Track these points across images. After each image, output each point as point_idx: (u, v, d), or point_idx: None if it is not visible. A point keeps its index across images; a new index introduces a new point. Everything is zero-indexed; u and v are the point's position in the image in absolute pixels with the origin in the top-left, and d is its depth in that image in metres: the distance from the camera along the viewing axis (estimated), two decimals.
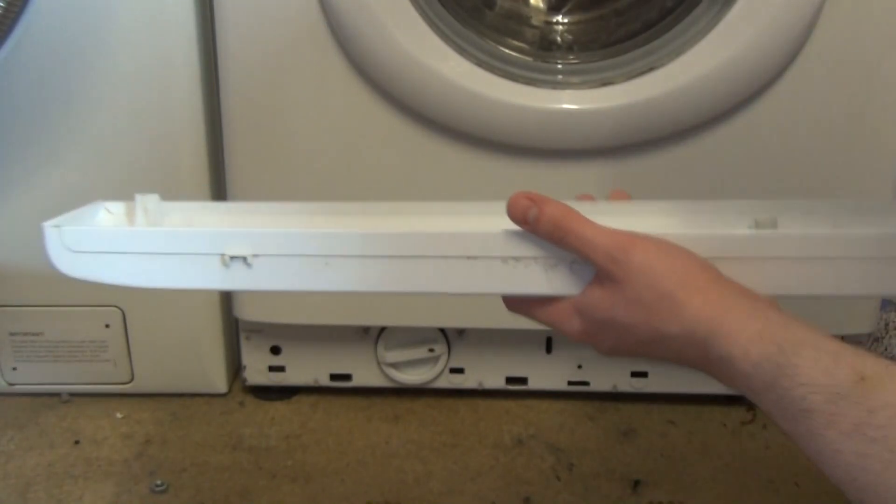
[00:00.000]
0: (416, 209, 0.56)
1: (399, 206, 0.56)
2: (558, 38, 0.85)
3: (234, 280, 0.50)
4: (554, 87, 0.79)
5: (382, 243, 0.50)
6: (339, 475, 0.85)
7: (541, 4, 0.85)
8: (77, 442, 0.89)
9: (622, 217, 0.50)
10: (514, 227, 0.50)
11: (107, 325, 0.92)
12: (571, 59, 0.82)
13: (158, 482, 0.82)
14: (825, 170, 0.84)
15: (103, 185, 0.85)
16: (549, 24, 0.85)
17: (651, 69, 0.78)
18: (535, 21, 0.85)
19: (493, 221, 0.51)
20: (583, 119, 0.79)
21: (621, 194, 0.56)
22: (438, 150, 0.82)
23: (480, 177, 0.84)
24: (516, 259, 0.50)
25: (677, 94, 0.78)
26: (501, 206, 0.51)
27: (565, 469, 0.86)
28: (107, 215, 0.56)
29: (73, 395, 0.96)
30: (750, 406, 0.97)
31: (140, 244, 0.51)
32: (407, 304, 0.89)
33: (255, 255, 0.50)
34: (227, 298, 0.93)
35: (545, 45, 0.84)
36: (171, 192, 0.85)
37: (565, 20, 0.85)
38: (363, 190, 0.85)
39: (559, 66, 0.82)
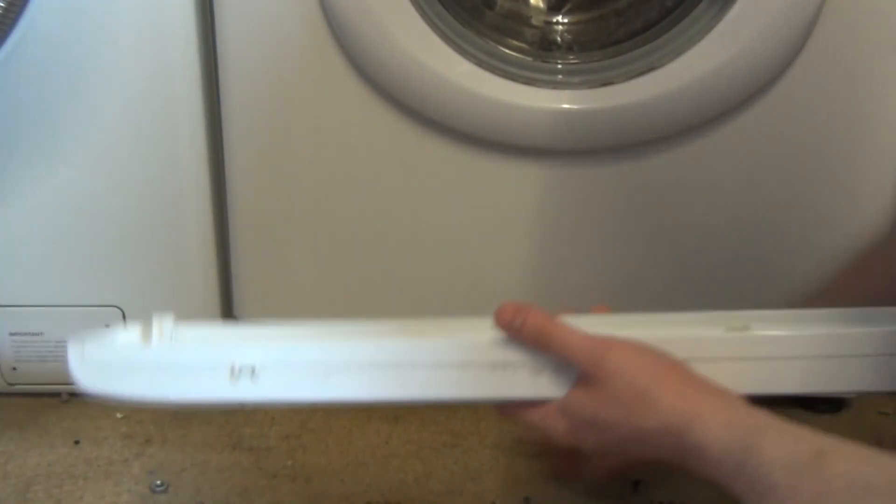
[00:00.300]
0: (414, 327, 0.58)
1: (398, 324, 0.59)
2: (558, 38, 0.85)
3: (241, 392, 0.55)
4: (554, 87, 0.79)
5: (379, 352, 0.54)
6: (339, 475, 0.85)
7: (541, 4, 0.85)
8: (77, 442, 0.89)
9: (605, 328, 0.54)
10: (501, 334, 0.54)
11: (107, 325, 0.91)
12: (571, 59, 0.82)
13: (158, 482, 0.82)
14: (825, 170, 0.84)
15: (103, 185, 0.85)
16: (549, 24, 0.85)
17: (651, 69, 0.78)
18: (535, 21, 0.85)
19: (484, 334, 0.54)
20: (583, 119, 0.79)
21: (603, 308, 0.60)
22: (438, 150, 0.82)
23: (480, 177, 0.84)
24: (504, 366, 0.53)
25: (677, 94, 0.78)
26: (489, 322, 0.54)
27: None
28: (125, 335, 0.61)
29: (73, 395, 0.96)
30: None
31: (155, 358, 0.56)
32: (407, 303, 0.89)
33: (261, 368, 0.54)
34: (226, 298, 0.93)
35: (545, 45, 0.84)
36: (170, 193, 0.86)
37: (565, 20, 0.85)
38: (363, 190, 0.85)
39: (559, 66, 0.82)
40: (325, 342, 0.55)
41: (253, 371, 0.54)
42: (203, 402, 0.56)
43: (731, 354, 0.54)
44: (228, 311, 0.95)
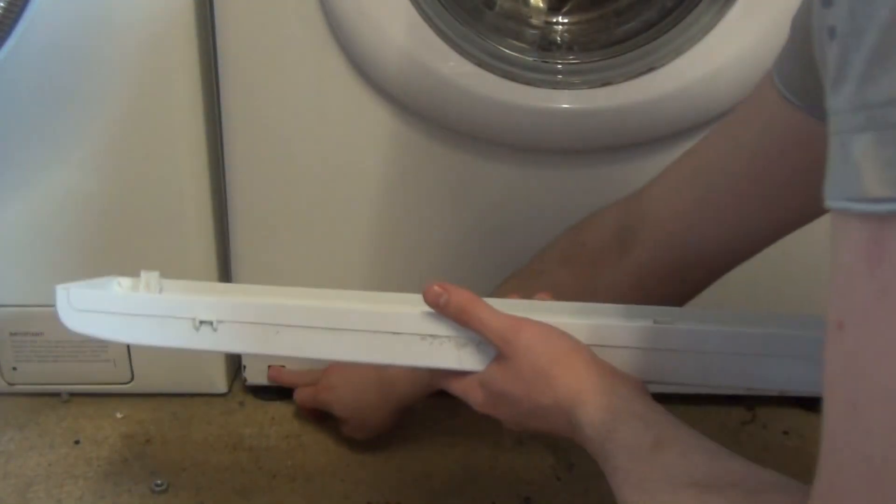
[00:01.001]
0: (362, 297, 0.66)
1: (351, 294, 0.67)
2: (558, 39, 0.85)
3: (202, 341, 0.61)
4: (554, 87, 0.79)
5: (326, 316, 0.60)
6: (339, 475, 0.85)
7: (541, 4, 0.85)
8: (77, 442, 0.89)
9: (523, 312, 0.58)
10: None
11: None
12: (571, 59, 0.82)
13: (158, 482, 0.82)
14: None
15: (103, 185, 0.85)
16: (549, 24, 0.85)
17: (651, 69, 0.78)
18: (535, 21, 0.85)
19: (419, 307, 0.60)
20: (583, 119, 0.79)
21: (546, 295, 0.64)
22: (438, 150, 0.82)
23: (480, 177, 0.84)
24: (433, 337, 0.59)
25: (677, 94, 0.78)
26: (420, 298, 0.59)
27: (565, 469, 0.86)
28: (117, 287, 0.68)
29: (73, 395, 0.96)
30: (750, 406, 0.97)
31: (131, 307, 0.62)
32: None
33: (219, 321, 0.60)
34: None
35: (545, 46, 0.84)
36: (170, 192, 0.86)
37: (565, 20, 0.85)
38: (362, 189, 0.85)
39: (559, 66, 0.82)
40: (279, 304, 0.61)
41: (213, 324, 0.60)
42: (168, 347, 0.62)
43: (634, 344, 0.59)
44: None
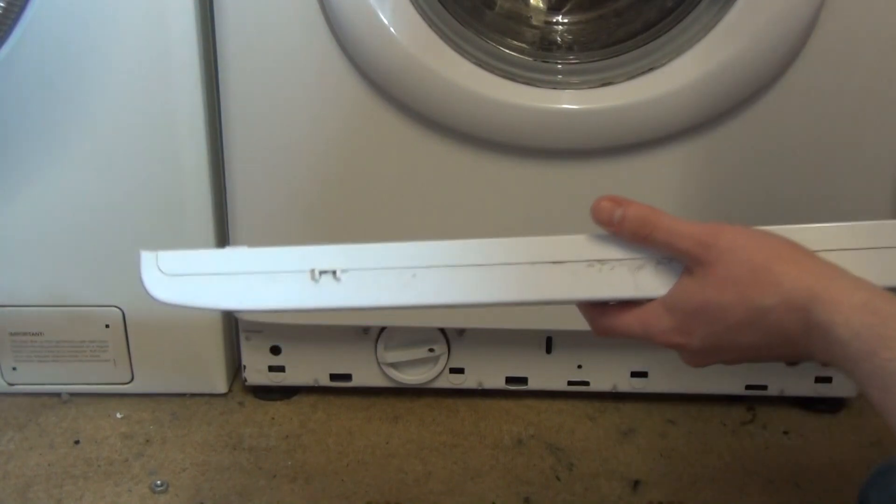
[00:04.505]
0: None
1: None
2: (558, 39, 0.85)
3: (323, 296, 0.51)
4: (554, 87, 0.79)
5: (468, 251, 0.51)
6: (339, 475, 0.85)
7: (541, 4, 0.85)
8: (77, 442, 0.89)
9: None
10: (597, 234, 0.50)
11: (107, 325, 0.92)
12: (571, 59, 0.82)
13: (158, 482, 0.82)
14: (825, 170, 0.84)
15: (103, 185, 0.85)
16: (549, 24, 0.85)
17: (651, 69, 0.78)
18: (535, 21, 0.85)
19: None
20: (583, 119, 0.79)
21: None
22: (438, 150, 0.82)
23: (480, 177, 0.84)
24: (602, 262, 0.50)
25: (677, 94, 0.78)
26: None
27: (565, 469, 0.86)
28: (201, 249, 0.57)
29: (73, 395, 0.96)
30: (750, 406, 0.97)
31: (232, 264, 0.52)
32: None
33: (343, 270, 0.51)
34: None
35: (545, 46, 0.84)
36: (170, 193, 0.86)
37: (565, 20, 0.85)
38: (363, 189, 0.85)
39: (559, 66, 0.82)
40: (412, 245, 0.51)
41: (335, 273, 0.51)
42: (281, 308, 0.52)
43: (862, 245, 0.48)
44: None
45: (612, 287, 0.50)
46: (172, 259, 0.52)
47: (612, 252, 0.50)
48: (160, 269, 0.52)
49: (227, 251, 0.53)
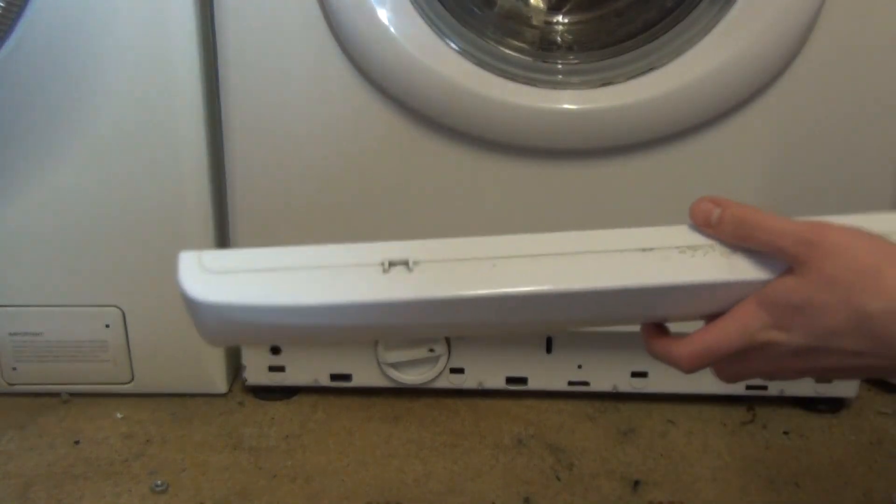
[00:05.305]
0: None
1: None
2: (558, 38, 0.85)
3: (394, 288, 0.45)
4: (554, 87, 0.79)
5: (550, 242, 0.47)
6: (339, 475, 0.85)
7: (541, 4, 0.85)
8: (77, 442, 0.89)
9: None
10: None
11: (107, 325, 0.92)
12: (571, 59, 0.82)
13: (158, 482, 0.82)
14: (825, 170, 0.84)
15: (103, 185, 0.85)
16: (549, 24, 0.85)
17: (651, 69, 0.78)
18: (535, 21, 0.85)
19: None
20: (583, 119, 0.79)
21: None
22: (438, 150, 0.82)
23: (480, 177, 0.84)
24: (692, 248, 0.47)
25: (677, 94, 0.78)
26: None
27: (565, 469, 0.86)
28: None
29: (73, 395, 0.96)
30: (750, 406, 0.97)
31: (286, 260, 0.46)
32: None
33: (415, 262, 0.46)
34: None
35: (545, 45, 0.84)
36: (171, 193, 0.86)
37: (565, 20, 0.85)
38: (363, 189, 0.85)
39: (559, 66, 0.82)
40: (487, 238, 0.47)
41: (408, 264, 0.46)
42: (346, 304, 0.45)
43: None
44: None
45: (706, 271, 0.46)
46: (217, 256, 0.46)
47: (703, 238, 0.47)
48: (204, 268, 0.45)
49: (280, 249, 0.47)
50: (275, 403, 0.96)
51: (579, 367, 0.95)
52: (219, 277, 0.45)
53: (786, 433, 0.92)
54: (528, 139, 0.81)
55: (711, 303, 0.46)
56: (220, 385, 0.97)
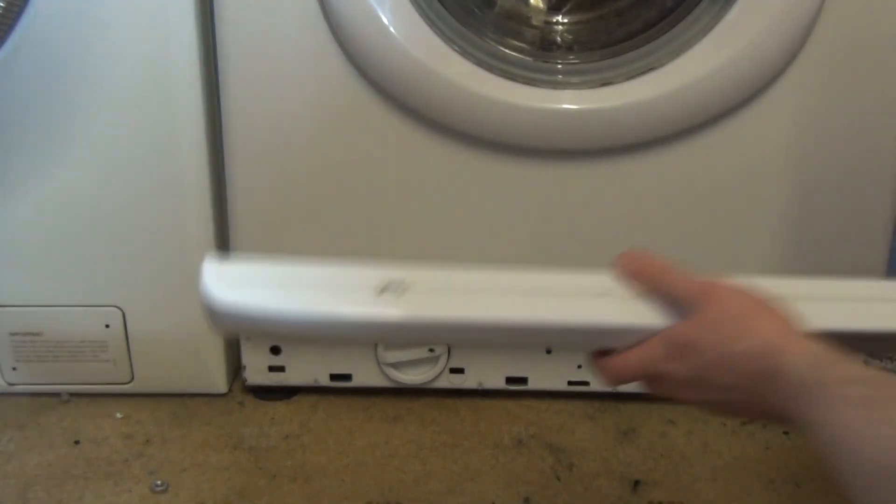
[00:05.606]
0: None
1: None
2: (558, 38, 0.85)
3: (387, 308, 0.53)
4: (554, 87, 0.79)
5: (519, 278, 0.56)
6: (339, 475, 0.85)
7: (541, 4, 0.85)
8: (77, 442, 0.89)
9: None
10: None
11: (107, 325, 0.92)
12: (571, 59, 0.82)
13: (158, 482, 0.82)
14: (825, 170, 0.84)
15: (103, 185, 0.85)
16: (549, 24, 0.85)
17: (651, 69, 0.78)
18: (535, 21, 0.85)
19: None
20: (583, 119, 0.79)
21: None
22: (438, 150, 0.82)
23: (481, 177, 0.84)
24: (613, 293, 0.56)
25: (677, 94, 0.78)
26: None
27: (565, 469, 0.86)
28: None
29: (73, 395, 0.96)
30: None
31: (296, 278, 0.54)
32: None
33: (409, 284, 0.54)
34: None
35: (545, 45, 0.84)
36: (171, 192, 0.86)
37: (565, 20, 0.85)
38: (363, 189, 0.85)
39: (559, 66, 0.82)
40: (469, 271, 0.56)
41: (401, 285, 0.54)
42: (344, 320, 0.53)
43: (821, 297, 0.57)
44: None
45: (618, 315, 0.56)
46: (236, 271, 0.54)
47: (619, 288, 0.57)
48: (221, 279, 0.54)
49: (290, 265, 0.55)
50: (275, 403, 0.96)
51: (579, 367, 0.95)
52: (239, 290, 0.53)
53: (786, 433, 0.92)
54: (528, 139, 0.81)
55: (624, 339, 0.56)
56: (220, 385, 0.97)
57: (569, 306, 0.56)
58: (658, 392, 0.58)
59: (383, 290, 0.53)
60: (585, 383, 0.96)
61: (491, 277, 0.56)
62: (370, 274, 0.54)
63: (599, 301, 0.56)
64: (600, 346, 0.58)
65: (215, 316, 0.55)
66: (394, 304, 0.53)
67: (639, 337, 0.56)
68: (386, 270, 0.55)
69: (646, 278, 0.57)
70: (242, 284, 0.54)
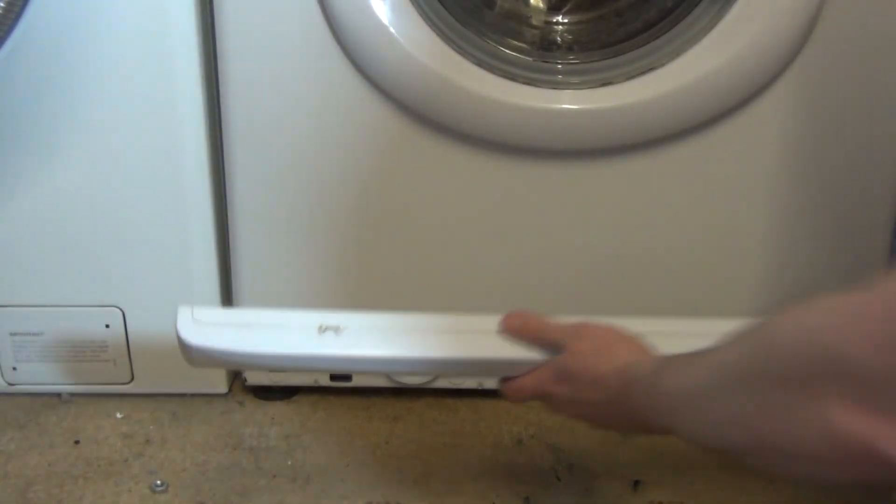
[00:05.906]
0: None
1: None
2: (558, 39, 0.85)
3: (326, 346, 0.68)
4: (554, 87, 0.79)
5: (439, 319, 0.71)
6: (339, 475, 0.85)
7: (541, 4, 0.85)
8: (77, 442, 0.89)
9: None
10: None
11: (107, 325, 0.92)
12: (571, 59, 0.83)
13: (158, 482, 0.83)
14: (825, 169, 0.84)
15: (103, 185, 0.85)
16: (549, 24, 0.85)
17: (651, 69, 0.78)
18: (535, 21, 0.85)
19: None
20: (583, 119, 0.80)
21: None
22: (438, 150, 0.83)
23: (480, 177, 0.84)
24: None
25: (677, 94, 0.78)
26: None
27: (565, 469, 0.86)
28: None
29: (73, 395, 0.96)
30: None
31: (249, 318, 0.70)
32: (407, 301, 0.89)
33: (344, 327, 0.68)
34: (226, 299, 0.93)
35: (545, 46, 0.84)
36: (171, 193, 0.86)
37: (565, 20, 0.85)
38: (363, 189, 0.85)
39: (559, 66, 0.82)
40: (391, 314, 0.70)
41: (337, 329, 0.68)
42: (292, 357, 0.68)
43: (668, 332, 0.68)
44: None
45: (517, 350, 0.70)
46: (207, 312, 0.69)
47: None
48: (194, 319, 0.68)
49: (250, 310, 0.74)
50: (275, 403, 0.96)
51: None
52: (205, 328, 0.68)
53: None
54: (527, 139, 0.81)
55: (520, 369, 0.70)
56: (220, 385, 0.97)
57: (477, 344, 0.70)
58: (551, 409, 0.70)
59: (325, 330, 0.68)
60: None
61: (415, 320, 0.70)
62: (313, 317, 0.68)
63: (502, 339, 0.70)
64: (505, 374, 0.71)
65: (188, 353, 0.69)
66: (331, 344, 0.68)
67: (532, 367, 0.69)
68: (324, 314, 0.68)
69: (528, 332, 0.70)
70: (209, 327, 0.68)
